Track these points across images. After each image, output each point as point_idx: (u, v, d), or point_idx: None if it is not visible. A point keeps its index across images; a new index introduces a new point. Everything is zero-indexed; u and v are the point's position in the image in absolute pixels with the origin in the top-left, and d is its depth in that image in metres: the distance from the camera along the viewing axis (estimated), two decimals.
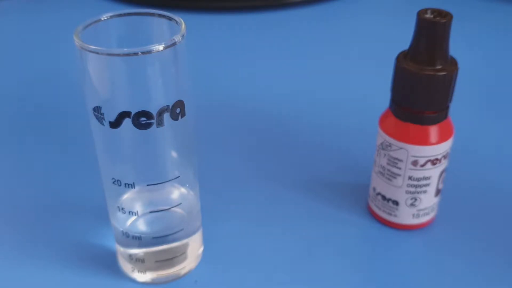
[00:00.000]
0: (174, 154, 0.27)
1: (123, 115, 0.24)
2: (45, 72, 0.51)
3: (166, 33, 0.26)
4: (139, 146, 0.25)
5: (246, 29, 0.59)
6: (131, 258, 0.29)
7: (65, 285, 0.30)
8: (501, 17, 0.61)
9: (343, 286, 0.30)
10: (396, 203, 0.32)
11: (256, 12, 0.63)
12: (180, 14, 0.63)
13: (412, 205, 0.32)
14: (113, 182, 0.26)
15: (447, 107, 0.29)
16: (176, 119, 0.25)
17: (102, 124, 0.25)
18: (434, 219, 0.34)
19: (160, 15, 0.26)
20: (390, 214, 0.33)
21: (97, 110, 0.24)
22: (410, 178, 0.31)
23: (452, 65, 0.28)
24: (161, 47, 0.23)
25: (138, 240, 0.28)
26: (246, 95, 0.47)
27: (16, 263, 0.31)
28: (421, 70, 0.28)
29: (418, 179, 0.31)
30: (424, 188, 0.31)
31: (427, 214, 0.32)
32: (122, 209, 0.27)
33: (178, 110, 0.25)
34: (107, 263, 0.31)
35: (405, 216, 0.32)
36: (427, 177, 0.31)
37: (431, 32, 0.27)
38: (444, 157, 0.30)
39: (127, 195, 0.28)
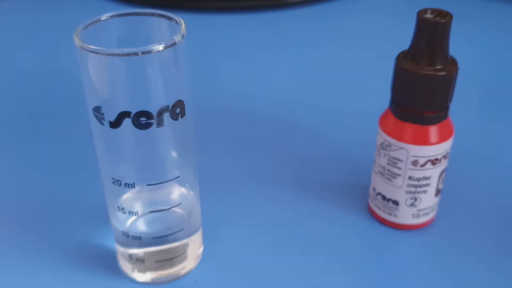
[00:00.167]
0: (174, 154, 0.27)
1: (123, 115, 0.24)
2: (45, 72, 0.51)
3: (166, 33, 0.26)
4: (139, 146, 0.25)
5: (246, 29, 0.59)
6: (131, 258, 0.29)
7: (65, 285, 0.30)
8: (501, 17, 0.61)
9: (343, 286, 0.30)
10: (396, 203, 0.32)
11: (256, 12, 0.63)
12: (180, 14, 0.63)
13: (412, 205, 0.32)
14: (113, 182, 0.26)
15: (447, 107, 0.29)
16: (176, 119, 0.25)
17: (102, 124, 0.25)
18: (434, 219, 0.34)
19: (160, 15, 0.26)
20: (390, 214, 0.33)
21: (97, 110, 0.24)
22: (410, 178, 0.31)
23: (452, 65, 0.28)
24: (161, 47, 0.23)
25: (138, 240, 0.28)
26: (246, 95, 0.47)
27: (16, 263, 0.31)
28: (421, 70, 0.28)
29: (418, 179, 0.31)
30: (424, 188, 0.31)
31: (427, 214, 0.32)
32: (122, 209, 0.27)
33: (178, 110, 0.25)
34: (107, 263, 0.31)
35: (405, 216, 0.32)
36: (427, 177, 0.31)
37: (431, 32, 0.27)
38: (444, 157, 0.30)
39: (127, 195, 0.28)
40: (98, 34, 0.25)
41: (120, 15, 0.26)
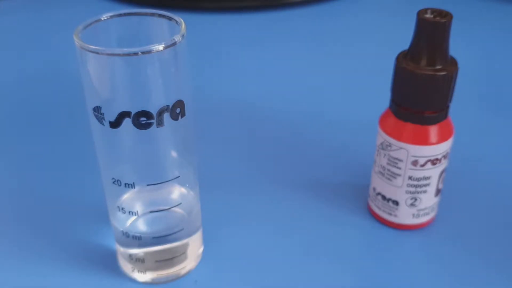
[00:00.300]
0: (174, 154, 0.27)
1: (123, 115, 0.24)
2: (45, 72, 0.51)
3: (166, 33, 0.26)
4: (139, 146, 0.25)
5: (246, 29, 0.59)
6: (131, 258, 0.29)
7: (65, 285, 0.30)
8: (501, 17, 0.61)
9: (343, 286, 0.30)
10: (396, 203, 0.32)
11: (256, 12, 0.63)
12: (180, 14, 0.63)
13: (412, 205, 0.32)
14: (113, 182, 0.26)
15: (447, 107, 0.29)
16: (176, 119, 0.25)
17: (102, 124, 0.25)
18: (434, 219, 0.34)
19: (160, 15, 0.26)
20: (390, 214, 0.33)
21: (97, 110, 0.24)
22: (410, 178, 0.31)
23: (452, 65, 0.28)
24: (161, 47, 0.23)
25: (138, 240, 0.28)
26: (246, 95, 0.47)
27: (16, 263, 0.31)
28: (421, 70, 0.28)
29: (418, 179, 0.31)
30: (424, 188, 0.31)
31: (427, 214, 0.32)
32: (122, 209, 0.27)
33: (178, 110, 0.25)
34: (107, 263, 0.31)
35: (405, 216, 0.32)
36: (427, 177, 0.31)
37: (431, 32, 0.27)
38: (444, 157, 0.30)
39: (127, 195, 0.28)
40: (98, 34, 0.25)
41: (120, 15, 0.26)
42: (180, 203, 0.28)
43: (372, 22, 0.61)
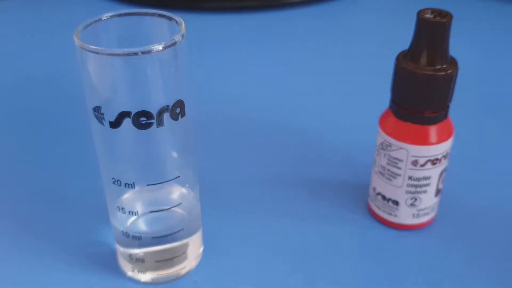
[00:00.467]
0: (174, 154, 0.27)
1: (123, 115, 0.24)
2: (45, 72, 0.51)
3: (166, 33, 0.26)
4: (139, 146, 0.25)
5: (246, 29, 0.59)
6: (131, 258, 0.29)
7: (65, 285, 0.30)
8: (501, 17, 0.61)
9: (343, 286, 0.30)
10: (396, 203, 0.32)
11: (256, 12, 0.63)
12: (180, 14, 0.63)
13: (412, 205, 0.32)
14: (113, 182, 0.26)
15: (447, 107, 0.29)
16: (176, 119, 0.25)
17: (102, 124, 0.25)
18: (434, 219, 0.34)
19: (160, 15, 0.26)
20: (390, 214, 0.33)
21: (97, 110, 0.24)
22: (410, 178, 0.31)
23: (452, 65, 0.28)
24: (161, 47, 0.23)
25: (138, 240, 0.28)
26: (246, 95, 0.47)
27: (16, 263, 0.31)
28: (421, 70, 0.28)
29: (418, 179, 0.31)
30: (424, 188, 0.31)
31: (427, 214, 0.32)
32: (122, 209, 0.27)
33: (178, 110, 0.25)
34: (107, 263, 0.31)
35: (405, 216, 0.32)
36: (427, 177, 0.31)
37: (431, 32, 0.27)
38: (444, 157, 0.30)
39: (127, 195, 0.28)
40: (98, 34, 0.25)
41: (120, 15, 0.26)
42: (180, 203, 0.28)
43: (372, 22, 0.61)
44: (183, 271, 0.30)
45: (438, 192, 0.32)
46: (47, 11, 0.64)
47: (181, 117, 0.25)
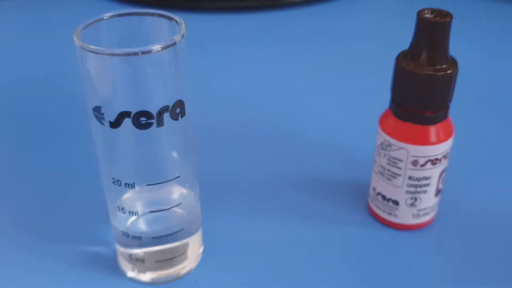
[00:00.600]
0: (174, 154, 0.27)
1: (123, 115, 0.24)
2: (45, 72, 0.51)
3: (166, 33, 0.26)
4: (139, 146, 0.25)
5: (246, 29, 0.59)
6: (131, 258, 0.29)
7: (65, 285, 0.30)
8: (501, 17, 0.61)
9: (343, 286, 0.29)
10: (396, 203, 0.32)
11: (256, 12, 0.63)
12: (180, 14, 0.63)
13: (412, 205, 0.32)
14: (113, 182, 0.26)
15: (447, 107, 0.29)
16: (176, 119, 0.25)
17: (102, 124, 0.25)
18: (434, 219, 0.34)
19: (160, 15, 0.26)
20: (390, 214, 0.33)
21: (97, 110, 0.24)
22: (410, 178, 0.31)
23: (452, 65, 0.28)
24: (161, 47, 0.23)
25: (138, 240, 0.28)
26: (245, 94, 0.47)
27: (16, 263, 0.31)
28: (421, 70, 0.28)
29: (418, 179, 0.31)
30: (424, 188, 0.31)
31: (427, 214, 0.32)
32: (122, 209, 0.27)
33: (178, 110, 0.25)
34: (107, 263, 0.31)
35: (405, 216, 0.32)
36: (427, 177, 0.31)
37: (431, 32, 0.27)
38: (444, 157, 0.30)
39: (127, 195, 0.28)
40: (98, 34, 0.25)
41: (120, 15, 0.26)
42: (180, 203, 0.28)
43: (372, 22, 0.61)
44: (183, 271, 0.30)
45: (438, 192, 0.32)
46: (47, 11, 0.64)
47: (181, 117, 0.25)
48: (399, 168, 0.31)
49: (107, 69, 0.23)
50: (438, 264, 0.31)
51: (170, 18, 0.25)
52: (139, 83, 0.24)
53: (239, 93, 0.47)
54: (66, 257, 0.31)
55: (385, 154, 0.31)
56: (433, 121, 0.29)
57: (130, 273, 0.30)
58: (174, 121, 0.25)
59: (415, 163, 0.30)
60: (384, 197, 0.32)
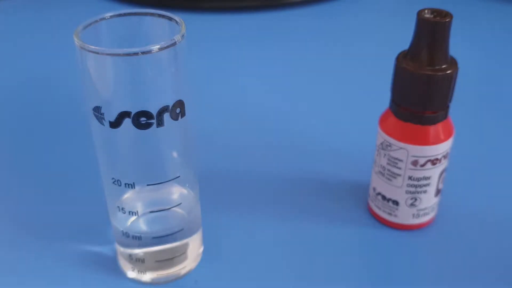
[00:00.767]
0: (174, 154, 0.27)
1: (123, 115, 0.24)
2: (45, 72, 0.51)
3: (166, 33, 0.26)
4: (139, 146, 0.25)
5: (246, 29, 0.59)
6: (131, 258, 0.29)
7: (65, 285, 0.30)
8: (501, 17, 0.61)
9: (343, 286, 0.30)
10: (396, 203, 0.32)
11: (256, 12, 0.63)
12: (180, 14, 0.63)
13: (412, 205, 0.32)
14: (113, 182, 0.26)
15: (447, 107, 0.29)
16: (176, 119, 0.25)
17: (102, 124, 0.25)
18: (434, 219, 0.34)
19: (160, 15, 0.26)
20: (390, 214, 0.33)
21: (97, 110, 0.24)
22: (410, 178, 0.31)
23: (452, 65, 0.28)
24: (161, 47, 0.23)
25: (138, 240, 0.28)
26: (245, 95, 0.47)
27: (16, 263, 0.31)
28: (421, 70, 0.28)
29: (418, 179, 0.31)
30: (424, 188, 0.31)
31: (427, 214, 0.32)
32: (122, 209, 0.27)
33: (178, 110, 0.25)
34: (107, 263, 0.31)
35: (405, 216, 0.32)
36: (427, 177, 0.31)
37: (431, 32, 0.27)
38: (444, 157, 0.30)
39: (127, 195, 0.28)
40: (98, 34, 0.25)
41: (120, 15, 0.26)
42: (180, 203, 0.28)
43: (372, 22, 0.61)
44: (183, 271, 0.30)
45: (438, 192, 0.32)
46: (47, 11, 0.64)
47: (181, 117, 0.25)
48: (399, 168, 0.31)
49: (107, 69, 0.23)
50: (438, 264, 0.31)
51: (170, 18, 0.25)
52: (139, 83, 0.24)
53: (239, 93, 0.47)
54: (66, 257, 0.31)
55: (385, 154, 0.31)
56: (433, 121, 0.29)
57: (130, 273, 0.30)
58: (174, 121, 0.25)
59: (415, 163, 0.30)
60: (384, 197, 0.32)
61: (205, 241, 0.32)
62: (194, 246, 0.30)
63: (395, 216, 0.32)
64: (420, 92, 0.28)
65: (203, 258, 0.31)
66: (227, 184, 0.37)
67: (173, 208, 0.28)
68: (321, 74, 0.50)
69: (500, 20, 0.61)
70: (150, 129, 0.25)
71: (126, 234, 0.28)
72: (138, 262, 0.29)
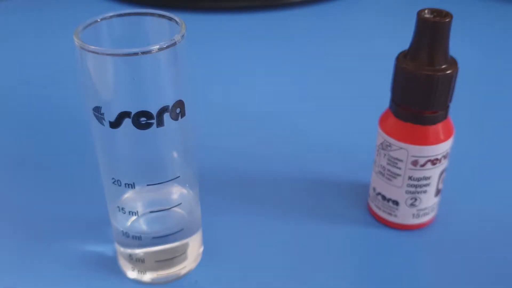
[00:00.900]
0: (174, 154, 0.27)
1: (123, 115, 0.24)
2: (45, 72, 0.51)
3: (166, 33, 0.26)
4: (139, 146, 0.25)
5: (246, 29, 0.59)
6: (131, 258, 0.29)
7: (65, 285, 0.30)
8: (501, 17, 0.61)
9: (343, 286, 0.29)
10: (396, 203, 0.32)
11: (256, 12, 0.63)
12: (180, 14, 0.63)
13: (412, 205, 0.32)
14: (113, 182, 0.26)
15: (447, 107, 0.29)
16: (176, 119, 0.25)
17: (102, 124, 0.25)
18: (434, 219, 0.34)
19: (160, 15, 0.26)
20: (390, 214, 0.33)
21: (97, 110, 0.24)
22: (410, 178, 0.31)
23: (452, 65, 0.28)
24: (161, 47, 0.23)
25: (138, 240, 0.28)
26: (246, 94, 0.47)
27: (15, 263, 0.31)
28: (421, 70, 0.28)
29: (418, 179, 0.31)
30: (424, 188, 0.31)
31: (427, 214, 0.32)
32: (122, 209, 0.27)
33: (178, 110, 0.25)
34: (107, 263, 0.31)
35: (405, 216, 0.32)
36: (427, 177, 0.31)
37: (431, 32, 0.27)
38: (444, 157, 0.30)
39: (127, 195, 0.28)
40: (98, 34, 0.25)
41: (120, 15, 0.26)
42: (180, 203, 0.28)
43: (372, 22, 0.61)
44: (183, 271, 0.30)
45: (438, 192, 0.32)
46: (47, 11, 0.64)
47: (181, 117, 0.25)
48: (399, 168, 0.31)
49: (107, 69, 0.23)
50: (438, 264, 0.31)
51: (170, 18, 0.25)
52: (139, 83, 0.24)
53: (239, 93, 0.47)
54: (66, 257, 0.31)
55: (385, 154, 0.31)
56: (433, 121, 0.29)
57: (130, 273, 0.30)
58: (174, 121, 0.25)
59: (415, 163, 0.30)
60: (384, 197, 0.32)
61: (205, 241, 0.32)
62: (194, 246, 0.30)
63: (395, 216, 0.32)
64: (420, 92, 0.28)
65: (203, 258, 0.31)
66: (227, 184, 0.37)
67: (173, 208, 0.28)
68: (321, 74, 0.50)
69: (500, 20, 0.61)
70: (150, 129, 0.25)
71: (126, 234, 0.28)
72: (138, 262, 0.29)
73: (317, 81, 0.49)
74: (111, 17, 0.25)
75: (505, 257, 0.31)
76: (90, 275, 0.30)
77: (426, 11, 0.28)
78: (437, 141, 0.30)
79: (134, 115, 0.24)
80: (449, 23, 0.27)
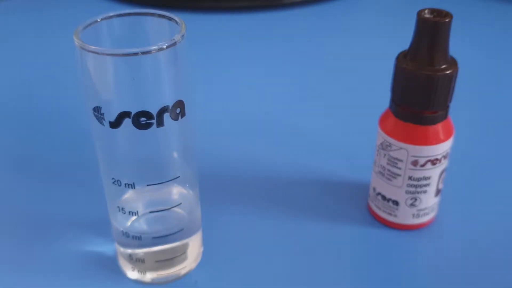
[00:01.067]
0: (174, 154, 0.27)
1: (123, 115, 0.24)
2: (45, 72, 0.51)
3: (166, 33, 0.26)
4: (139, 146, 0.25)
5: (246, 29, 0.59)
6: (131, 258, 0.29)
7: (65, 285, 0.30)
8: (501, 17, 0.61)
9: (343, 286, 0.29)
10: (396, 203, 0.32)
11: (256, 12, 0.63)
12: (180, 14, 0.63)
13: (412, 205, 0.32)
14: (113, 182, 0.26)
15: (447, 107, 0.29)
16: (176, 119, 0.25)
17: (102, 124, 0.25)
18: (434, 219, 0.34)
19: (160, 15, 0.26)
20: (390, 214, 0.33)
21: (97, 110, 0.24)
22: (410, 178, 0.31)
23: (452, 65, 0.28)
24: (161, 47, 0.23)
25: (138, 240, 0.28)
26: (246, 94, 0.47)
27: (16, 264, 0.31)
28: (421, 70, 0.28)
29: (418, 179, 0.31)
30: (424, 188, 0.31)
31: (427, 214, 0.32)
32: (122, 209, 0.27)
33: (178, 110, 0.25)
34: (107, 263, 0.31)
35: (405, 216, 0.32)
36: (427, 177, 0.31)
37: (431, 32, 0.27)
38: (444, 157, 0.30)
39: (127, 195, 0.28)
40: (98, 34, 0.25)
41: (120, 15, 0.26)
42: (180, 203, 0.28)
43: (372, 22, 0.61)
44: (183, 271, 0.30)
45: (438, 192, 0.32)
46: (47, 11, 0.64)
47: (181, 117, 0.25)
48: (399, 168, 0.31)
49: (107, 69, 0.23)
50: (438, 264, 0.31)
51: (170, 18, 0.25)
52: (139, 83, 0.24)
53: (239, 93, 0.47)
54: (66, 257, 0.31)
55: (385, 154, 0.31)
56: (433, 121, 0.29)
57: (130, 273, 0.30)
58: (174, 121, 0.25)
59: (415, 163, 0.30)
60: (384, 197, 0.32)
61: (205, 241, 0.32)
62: (194, 246, 0.30)
63: (395, 216, 0.32)
64: (420, 92, 0.28)
65: (203, 258, 0.31)
66: (227, 184, 0.37)
67: (173, 208, 0.28)
68: (321, 74, 0.50)
69: (500, 20, 0.61)
70: (150, 129, 0.25)
71: (126, 234, 0.28)
72: (138, 262, 0.29)
73: (317, 81, 0.49)
74: (111, 17, 0.25)
75: (505, 257, 0.31)
76: (90, 275, 0.30)
77: (426, 11, 0.28)
78: (437, 141, 0.30)
79: (134, 115, 0.24)
80: (449, 23, 0.27)
